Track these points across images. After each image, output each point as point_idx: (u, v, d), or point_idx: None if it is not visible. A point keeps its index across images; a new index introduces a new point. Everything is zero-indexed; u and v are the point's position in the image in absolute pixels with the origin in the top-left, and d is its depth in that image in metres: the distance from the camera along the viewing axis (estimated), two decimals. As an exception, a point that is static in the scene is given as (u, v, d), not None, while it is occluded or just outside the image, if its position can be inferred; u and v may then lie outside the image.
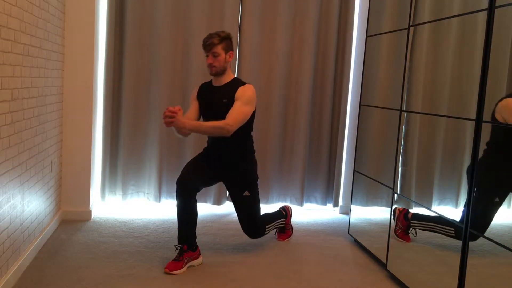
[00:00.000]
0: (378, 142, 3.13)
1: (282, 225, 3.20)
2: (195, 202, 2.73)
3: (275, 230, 3.25)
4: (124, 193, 3.73)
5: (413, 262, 2.59)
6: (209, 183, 2.95)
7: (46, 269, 2.54)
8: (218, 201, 3.82)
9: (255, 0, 3.66)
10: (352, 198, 3.35)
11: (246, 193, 2.85)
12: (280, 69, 3.75)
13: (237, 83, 2.77)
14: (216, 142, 2.83)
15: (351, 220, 3.34)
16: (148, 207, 3.77)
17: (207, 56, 2.71)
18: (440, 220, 2.38)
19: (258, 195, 2.94)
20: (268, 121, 3.78)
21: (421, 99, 2.62)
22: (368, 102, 3.17)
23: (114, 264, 2.66)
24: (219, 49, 2.68)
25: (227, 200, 3.89)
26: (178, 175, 3.72)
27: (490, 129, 2.07)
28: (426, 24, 2.55)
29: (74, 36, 3.26)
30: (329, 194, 3.97)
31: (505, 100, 2.02)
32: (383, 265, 2.79)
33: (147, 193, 3.77)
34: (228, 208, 3.87)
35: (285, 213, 3.24)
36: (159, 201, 3.76)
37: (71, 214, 3.37)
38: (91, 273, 2.52)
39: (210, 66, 2.71)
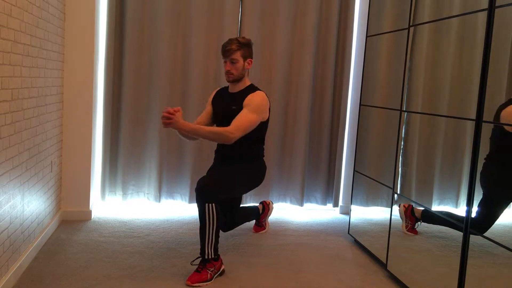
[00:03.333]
0: (378, 142, 3.13)
1: (257, 218, 3.26)
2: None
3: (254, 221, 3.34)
4: (124, 193, 3.73)
5: (413, 262, 2.59)
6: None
7: (46, 269, 2.54)
8: (218, 201, 3.82)
9: (255, 0, 3.66)
10: (352, 198, 3.35)
11: (231, 167, 2.72)
12: (280, 69, 3.75)
13: (249, 90, 2.71)
14: (223, 148, 2.79)
15: (351, 220, 3.34)
16: (148, 207, 3.77)
17: (225, 62, 2.67)
18: (449, 218, 2.36)
19: (243, 181, 2.76)
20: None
21: (421, 99, 2.62)
22: (368, 102, 3.17)
23: (114, 264, 2.66)
24: (237, 55, 2.63)
25: (227, 200, 3.89)
26: (178, 175, 3.78)
27: (493, 139, 2.04)
28: (426, 24, 2.55)
29: (74, 36, 3.26)
30: (329, 194, 3.97)
31: (510, 107, 2.00)
32: (383, 265, 2.79)
33: (147, 193, 3.77)
34: (228, 208, 3.88)
35: (262, 209, 3.33)
36: (159, 201, 3.76)
37: (71, 214, 3.37)
38: (91, 273, 2.52)
39: (228, 73, 2.67)
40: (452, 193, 2.32)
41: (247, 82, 2.77)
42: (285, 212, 3.85)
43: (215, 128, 2.59)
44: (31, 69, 2.53)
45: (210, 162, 3.83)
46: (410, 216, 2.70)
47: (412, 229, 2.69)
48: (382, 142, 3.06)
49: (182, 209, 3.77)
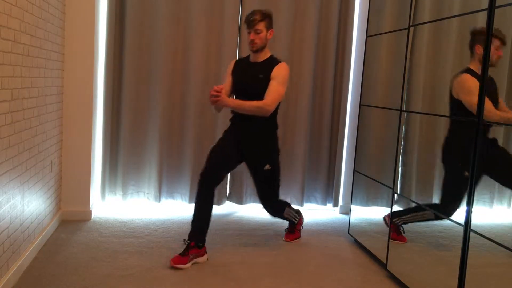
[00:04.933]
0: (378, 142, 3.13)
1: (295, 221, 3.23)
2: (212, 199, 2.79)
3: (286, 228, 3.30)
4: (124, 193, 3.73)
5: (413, 262, 2.59)
6: (233, 167, 2.98)
7: (46, 269, 2.54)
8: (218, 201, 3.82)
9: (255, 0, 3.66)
10: (352, 198, 3.35)
11: (267, 166, 2.91)
12: (280, 69, 3.75)
13: (273, 60, 2.86)
14: (242, 116, 2.86)
15: (351, 220, 3.34)
16: (148, 207, 3.77)
17: (249, 33, 2.79)
18: (417, 208, 2.49)
19: (279, 169, 3.00)
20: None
21: (421, 99, 2.62)
22: (368, 102, 3.17)
23: (114, 264, 2.66)
24: (261, 26, 2.77)
25: (227, 200, 3.89)
26: (178, 175, 3.78)
27: (449, 107, 2.22)
28: (426, 24, 2.55)
29: (74, 36, 3.26)
30: (329, 194, 3.97)
31: (459, 76, 2.11)
32: (383, 265, 2.79)
33: (147, 193, 3.77)
34: (228, 208, 3.88)
35: (300, 215, 3.30)
36: (159, 201, 3.76)
37: (71, 214, 3.37)
38: (91, 273, 2.52)
39: (252, 42, 2.79)
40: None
41: (268, 52, 2.89)
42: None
43: (255, 102, 2.72)
44: (31, 69, 2.53)
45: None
46: (390, 224, 2.74)
47: (397, 236, 2.70)
48: (382, 142, 3.06)
49: (182, 209, 3.77)
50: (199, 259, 2.75)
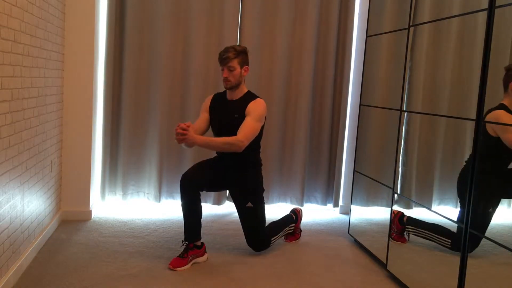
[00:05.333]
0: (378, 142, 3.13)
1: (291, 231, 3.18)
2: (199, 199, 2.76)
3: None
4: (124, 193, 3.73)
5: (413, 262, 2.59)
6: (212, 187, 2.96)
7: (46, 269, 2.54)
8: (218, 201, 3.82)
9: (255, 0, 3.66)
10: (352, 198, 3.35)
11: (249, 204, 2.85)
12: (280, 69, 3.75)
13: (249, 97, 2.80)
14: (223, 154, 2.85)
15: (351, 220, 3.34)
16: (148, 207, 3.77)
17: (223, 70, 2.74)
18: (437, 229, 2.39)
19: (263, 207, 2.93)
20: (268, 121, 3.77)
21: (421, 99, 2.62)
22: (368, 102, 3.17)
23: (114, 264, 2.66)
24: (234, 63, 2.72)
25: (227, 200, 3.89)
26: (178, 175, 3.75)
27: (485, 145, 2.07)
28: (426, 24, 2.55)
29: (74, 36, 3.26)
30: (329, 194, 3.97)
31: (493, 113, 2.04)
32: (383, 265, 2.79)
33: (147, 193, 3.77)
34: (228, 208, 3.88)
35: (295, 216, 3.24)
36: (159, 201, 3.76)
37: (71, 214, 3.37)
38: (91, 273, 2.52)
39: (225, 80, 2.75)
40: (452, 193, 2.32)
41: (244, 89, 2.84)
42: (285, 212, 3.84)
43: (226, 138, 2.67)
44: (31, 69, 2.53)
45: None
46: (397, 223, 2.71)
47: (399, 238, 2.69)
48: (382, 142, 3.06)
49: (182, 209, 3.77)
50: (199, 259, 2.75)
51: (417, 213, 2.59)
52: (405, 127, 2.70)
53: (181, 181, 2.73)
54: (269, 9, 3.70)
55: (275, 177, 3.88)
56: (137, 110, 3.66)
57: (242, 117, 2.72)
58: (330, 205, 3.99)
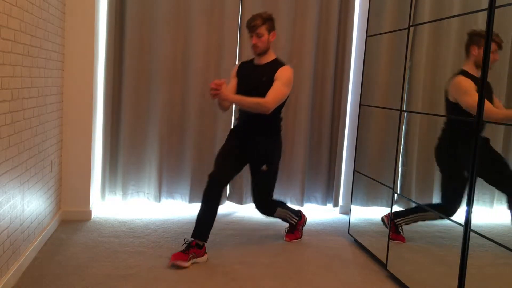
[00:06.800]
0: (378, 142, 3.13)
1: (293, 222, 3.24)
2: (219, 202, 2.84)
3: (286, 227, 3.30)
4: (124, 193, 3.73)
5: (413, 262, 2.59)
6: (240, 168, 3.03)
7: (46, 269, 2.54)
8: (218, 201, 3.82)
9: (255, 0, 3.66)
10: (352, 198, 3.35)
11: (264, 167, 2.93)
12: (280, 69, 3.75)
13: (277, 63, 2.90)
14: (248, 118, 2.94)
15: (351, 220, 3.34)
16: (148, 207, 3.77)
17: (251, 36, 2.85)
18: (421, 208, 2.50)
19: (276, 174, 3.04)
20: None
21: (421, 99, 2.62)
22: (368, 102, 3.17)
23: (114, 264, 2.66)
24: (262, 29, 2.82)
25: (227, 200, 3.89)
26: (178, 175, 3.78)
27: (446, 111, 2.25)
28: (426, 24, 2.55)
29: (74, 36, 3.26)
30: (329, 194, 3.97)
31: (453, 80, 2.12)
32: (383, 265, 2.79)
33: (147, 193, 3.77)
34: (228, 208, 3.88)
35: (299, 215, 3.28)
36: (159, 201, 3.76)
37: (71, 214, 3.37)
38: (91, 273, 2.52)
39: (254, 46, 2.86)
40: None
41: (272, 54, 2.94)
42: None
43: (256, 99, 2.76)
44: (31, 69, 2.53)
45: (210, 162, 3.83)
46: (391, 224, 2.74)
47: (397, 236, 2.70)
48: (382, 142, 3.06)
49: (182, 209, 3.77)
50: (199, 259, 2.76)
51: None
52: (405, 127, 2.70)
53: (209, 181, 2.79)
54: (269, 9, 3.67)
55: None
56: (137, 110, 3.66)
57: (270, 80, 2.81)
58: (330, 205, 3.99)
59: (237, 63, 3.72)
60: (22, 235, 2.52)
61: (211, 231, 3.30)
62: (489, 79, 2.00)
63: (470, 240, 2.09)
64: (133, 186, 3.75)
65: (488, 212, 2.07)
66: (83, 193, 3.39)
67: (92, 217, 3.44)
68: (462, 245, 2.12)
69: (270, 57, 2.91)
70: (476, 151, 2.05)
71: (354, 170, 3.31)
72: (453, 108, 2.25)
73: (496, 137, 2.03)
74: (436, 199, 2.46)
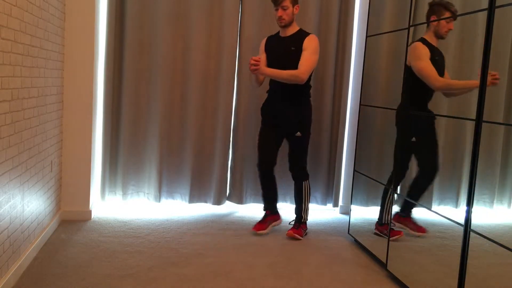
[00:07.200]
0: (378, 142, 3.13)
1: (303, 217, 3.35)
2: (274, 177, 3.32)
3: (291, 220, 3.43)
4: (124, 193, 3.73)
5: (413, 262, 2.59)
6: (280, 144, 3.31)
7: (46, 269, 2.54)
8: (218, 201, 3.82)
9: (255, 0, 3.66)
10: (352, 198, 3.35)
11: (298, 133, 3.17)
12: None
13: (303, 33, 3.13)
14: (279, 88, 3.16)
15: (351, 220, 3.34)
16: (148, 207, 3.77)
17: (277, 9, 3.06)
18: (382, 199, 2.71)
19: (309, 139, 3.28)
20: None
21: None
22: (368, 102, 3.17)
23: (114, 264, 2.66)
24: (287, 2, 3.03)
25: (227, 200, 3.89)
26: (178, 175, 3.78)
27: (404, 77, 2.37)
28: (426, 24, 2.55)
29: (74, 36, 3.26)
30: (329, 194, 3.97)
31: (412, 44, 2.16)
32: (383, 265, 2.79)
33: (147, 193, 3.77)
34: (228, 208, 3.88)
35: (306, 218, 3.42)
36: (159, 201, 3.76)
37: (71, 214, 3.37)
38: (91, 273, 2.52)
39: (280, 18, 3.06)
40: (452, 193, 2.32)
41: (296, 26, 3.16)
42: (285, 212, 3.84)
43: (291, 71, 3.02)
44: (31, 69, 2.53)
45: (210, 162, 3.84)
46: (384, 226, 2.76)
47: (394, 232, 2.71)
48: (382, 142, 3.06)
49: (182, 209, 3.77)
50: (275, 223, 3.34)
51: (417, 213, 2.59)
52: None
53: (260, 172, 3.29)
54: (269, 9, 3.70)
55: (275, 177, 3.87)
56: (137, 110, 3.66)
57: (298, 49, 3.05)
58: (330, 205, 3.99)
59: (237, 62, 3.72)
60: (22, 235, 2.52)
61: (211, 231, 3.32)
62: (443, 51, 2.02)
63: (470, 240, 2.09)
64: (133, 186, 3.75)
65: (488, 212, 2.07)
66: (83, 193, 3.39)
67: (92, 217, 3.44)
68: (462, 245, 2.12)
69: (294, 28, 3.12)
70: (477, 152, 2.05)
71: (354, 170, 3.31)
72: (409, 73, 2.29)
73: (496, 137, 2.03)
74: (437, 201, 2.45)
